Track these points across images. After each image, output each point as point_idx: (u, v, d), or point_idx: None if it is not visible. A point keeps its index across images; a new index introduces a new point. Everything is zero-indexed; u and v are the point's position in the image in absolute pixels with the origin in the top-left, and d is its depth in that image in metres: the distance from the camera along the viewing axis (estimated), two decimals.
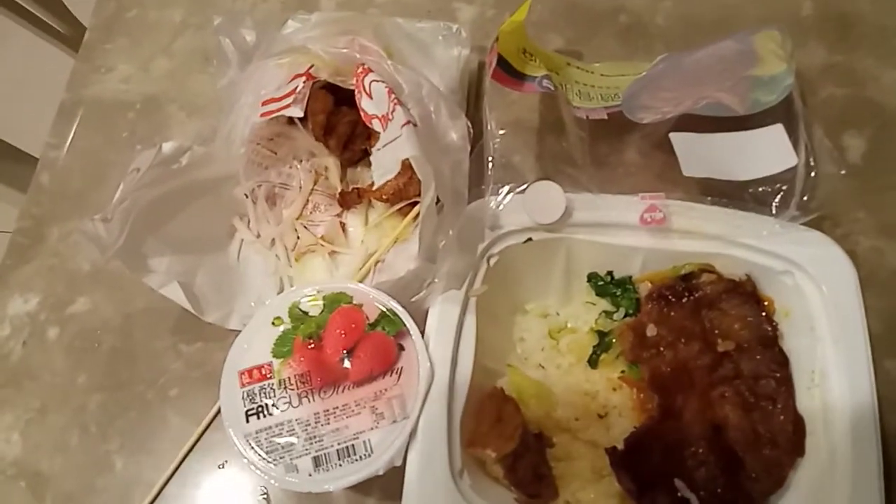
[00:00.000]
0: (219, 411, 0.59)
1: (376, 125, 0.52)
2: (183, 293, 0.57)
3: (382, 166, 0.48)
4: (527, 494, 0.50)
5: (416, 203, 0.59)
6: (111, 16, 0.82)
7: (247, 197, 0.65)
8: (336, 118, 0.64)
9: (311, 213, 0.66)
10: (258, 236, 0.64)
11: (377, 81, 0.52)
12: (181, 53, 0.78)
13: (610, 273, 0.57)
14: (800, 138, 0.53)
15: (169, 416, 0.61)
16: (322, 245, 0.63)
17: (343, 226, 0.65)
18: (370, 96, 0.53)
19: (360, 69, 0.54)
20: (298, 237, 0.65)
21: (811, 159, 0.52)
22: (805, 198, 0.51)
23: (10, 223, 0.72)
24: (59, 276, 0.68)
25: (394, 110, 0.49)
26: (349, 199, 0.64)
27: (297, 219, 0.65)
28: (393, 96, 0.50)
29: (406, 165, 0.58)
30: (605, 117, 0.60)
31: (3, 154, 1.06)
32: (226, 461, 0.59)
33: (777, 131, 0.55)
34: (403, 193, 0.61)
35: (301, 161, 0.67)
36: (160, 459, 0.59)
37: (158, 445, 0.60)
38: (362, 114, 0.54)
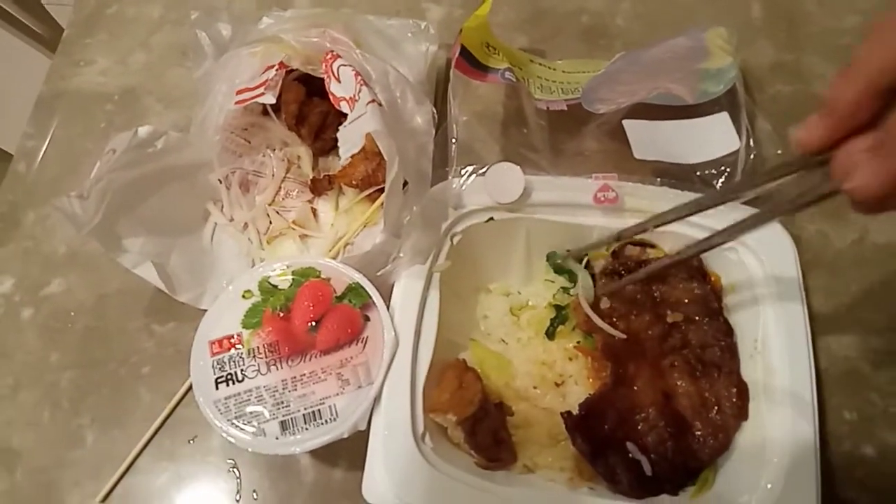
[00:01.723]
0: (190, 387, 0.61)
1: (344, 107, 0.54)
2: (156, 273, 0.59)
3: (348, 141, 0.50)
4: (486, 458, 0.52)
5: (384, 190, 0.62)
6: (91, 12, 0.84)
7: (221, 182, 0.67)
8: (308, 108, 0.67)
9: (283, 199, 0.68)
10: (231, 220, 0.66)
11: (345, 66, 0.55)
12: (159, 48, 0.80)
13: (568, 251, 0.59)
14: (742, 125, 0.57)
15: (141, 393, 0.63)
16: (293, 229, 0.66)
17: (314, 211, 0.68)
18: (338, 80, 0.55)
19: (330, 55, 0.57)
20: (271, 222, 0.67)
21: (751, 142, 0.56)
22: (746, 178, 0.55)
23: None
24: (34, 258, 0.69)
25: (360, 91, 0.52)
26: (320, 185, 0.67)
27: (270, 204, 0.68)
28: (359, 78, 0.53)
29: (374, 152, 0.60)
30: (565, 108, 0.63)
31: None
32: (196, 436, 0.60)
33: (722, 119, 0.59)
34: (372, 179, 0.63)
35: (274, 150, 0.69)
36: (131, 434, 0.60)
37: (130, 421, 0.61)
38: (331, 96, 0.56)
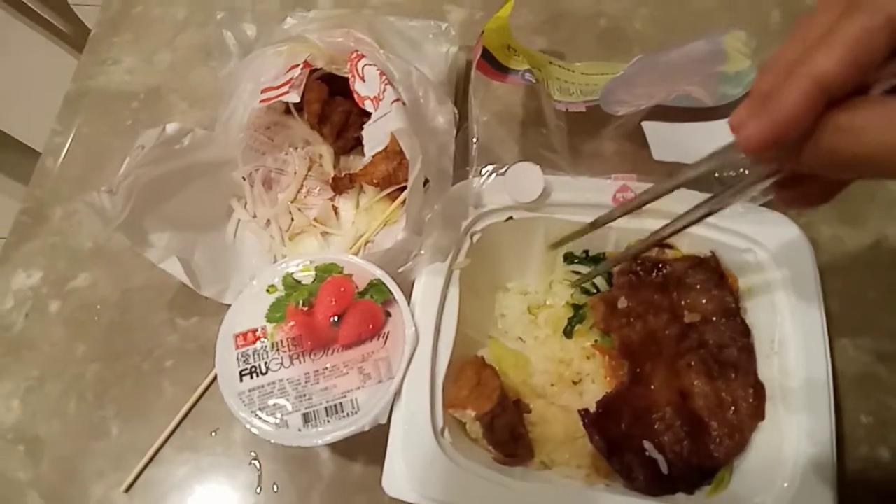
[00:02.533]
0: (213, 380, 0.62)
1: (368, 106, 0.55)
2: (182, 268, 0.60)
3: (373, 139, 0.51)
4: (504, 454, 0.53)
5: (405, 188, 0.62)
6: (117, 12, 0.85)
7: (244, 180, 0.68)
8: (330, 108, 0.68)
9: (305, 196, 0.69)
10: (254, 217, 0.68)
11: (369, 65, 0.56)
12: (184, 48, 0.82)
13: (586, 251, 0.60)
14: None
15: (164, 386, 0.64)
16: (315, 226, 0.67)
17: (335, 209, 0.69)
18: (363, 79, 0.56)
19: (354, 55, 0.58)
20: (293, 219, 0.68)
21: None
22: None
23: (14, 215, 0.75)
24: (61, 253, 0.71)
25: (384, 90, 0.53)
26: (342, 183, 0.68)
27: (292, 202, 0.69)
28: (384, 77, 0.54)
29: (395, 151, 0.61)
30: (584, 110, 0.64)
31: (8, 147, 1.09)
32: (217, 428, 0.62)
33: None
34: (393, 178, 0.64)
35: (296, 148, 0.70)
36: (154, 426, 0.62)
37: (153, 413, 0.63)
38: (355, 96, 0.57)
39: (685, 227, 0.47)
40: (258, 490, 0.59)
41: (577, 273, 0.60)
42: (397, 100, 0.52)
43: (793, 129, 0.30)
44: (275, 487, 0.59)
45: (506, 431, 0.53)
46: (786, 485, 0.48)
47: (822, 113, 0.29)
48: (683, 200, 0.57)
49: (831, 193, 0.36)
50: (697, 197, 0.57)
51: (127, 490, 0.60)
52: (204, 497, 0.59)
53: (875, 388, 0.57)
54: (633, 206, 0.49)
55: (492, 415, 0.52)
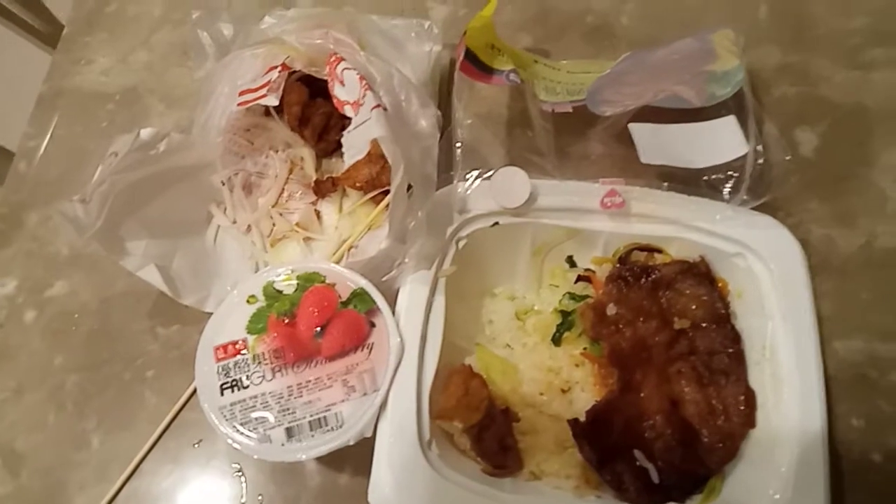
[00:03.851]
0: (195, 391, 0.61)
1: (348, 111, 0.54)
2: (160, 276, 0.59)
3: (353, 147, 0.50)
4: (493, 465, 0.52)
5: (388, 191, 0.61)
6: (91, 10, 0.83)
7: (223, 184, 0.66)
8: (311, 110, 0.67)
9: (286, 201, 0.68)
10: (234, 222, 0.66)
11: (349, 69, 0.54)
12: (160, 47, 0.80)
13: (570, 257, 0.59)
14: (750, 129, 0.57)
15: (146, 396, 0.62)
16: (297, 231, 0.65)
17: (318, 213, 0.67)
18: (342, 83, 0.55)
19: (333, 58, 0.56)
20: (274, 224, 0.66)
21: (760, 147, 0.55)
22: (754, 183, 0.54)
23: None
24: (38, 260, 0.69)
25: (364, 95, 0.51)
26: (324, 187, 0.66)
27: (273, 206, 0.67)
28: (364, 82, 0.53)
29: (379, 155, 0.60)
30: (570, 111, 0.63)
31: None
32: (201, 440, 0.60)
33: (729, 122, 0.58)
34: (376, 182, 0.63)
35: (277, 151, 0.69)
36: (137, 437, 0.60)
37: (135, 423, 0.61)
38: (335, 100, 0.56)
39: None
40: (243, 502, 0.58)
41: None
42: (378, 105, 0.50)
43: None
44: (260, 499, 0.58)
45: (494, 443, 0.52)
46: (777, 493, 0.47)
47: None
48: (673, 204, 0.56)
49: None
50: (687, 200, 0.56)
51: None
52: None
53: (867, 390, 0.57)
54: None
55: (480, 426, 0.51)
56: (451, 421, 0.51)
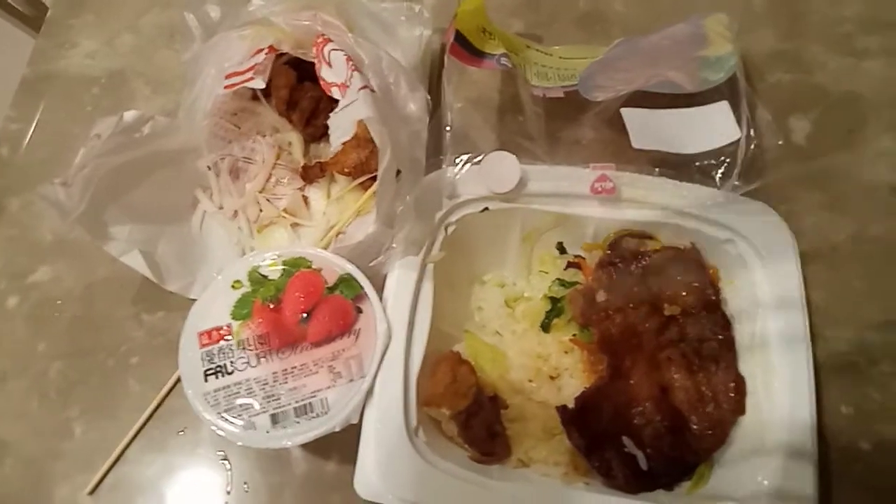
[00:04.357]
0: (179, 379, 0.60)
1: (336, 93, 0.53)
2: (144, 261, 0.58)
3: (339, 128, 0.49)
4: (480, 452, 0.51)
5: (377, 178, 0.61)
6: None
7: (209, 169, 0.65)
8: (299, 94, 0.66)
9: (273, 186, 0.67)
10: (220, 208, 0.65)
11: (336, 50, 0.53)
12: (147, 29, 0.79)
13: (560, 243, 0.59)
14: (742, 114, 0.56)
15: (130, 384, 0.62)
16: (284, 217, 0.65)
17: (305, 199, 0.66)
18: (329, 65, 0.54)
19: (321, 39, 0.55)
20: (261, 210, 0.66)
21: (752, 131, 0.55)
22: (746, 169, 0.54)
23: None
24: (20, 245, 0.68)
25: (351, 76, 0.51)
26: (312, 172, 0.66)
27: (260, 192, 0.66)
28: (351, 63, 0.52)
29: (367, 139, 0.59)
30: (562, 96, 0.62)
31: None
32: (186, 427, 0.60)
33: (722, 108, 0.58)
34: (365, 167, 0.62)
35: (264, 136, 0.68)
36: (121, 425, 0.60)
37: (119, 412, 0.60)
38: (322, 82, 0.55)
39: None
40: (228, 490, 0.57)
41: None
42: (365, 87, 0.50)
43: None
44: (246, 487, 0.57)
45: (482, 429, 0.51)
46: (766, 480, 0.47)
47: None
48: (664, 190, 0.56)
49: None
50: (678, 186, 0.56)
51: (92, 492, 0.58)
52: (172, 498, 0.58)
53: (857, 379, 0.56)
54: None
55: (467, 413, 0.50)
56: (439, 408, 0.50)
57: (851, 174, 0.65)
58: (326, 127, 0.66)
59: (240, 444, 0.49)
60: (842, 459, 0.54)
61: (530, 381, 0.56)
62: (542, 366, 0.56)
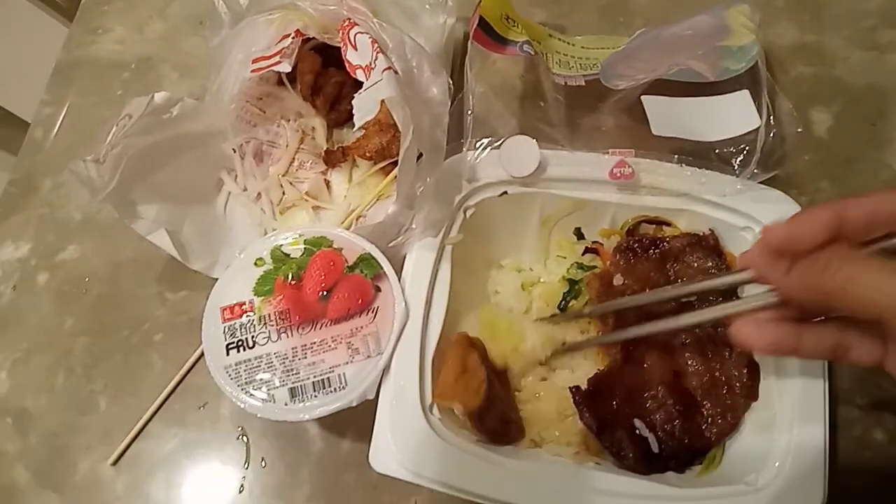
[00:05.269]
0: (202, 355, 0.61)
1: (360, 75, 0.54)
2: (170, 240, 0.59)
3: (363, 108, 0.50)
4: (494, 442, 0.51)
5: (397, 162, 0.61)
6: None
7: (234, 152, 0.67)
8: (324, 79, 0.67)
9: (296, 170, 0.68)
10: (244, 190, 0.66)
11: (361, 33, 0.54)
12: (175, 17, 0.81)
13: (578, 229, 0.59)
14: (762, 103, 0.56)
15: (153, 360, 0.63)
16: (306, 200, 0.66)
17: (327, 183, 0.67)
18: (355, 48, 0.55)
19: (346, 22, 0.56)
20: (284, 192, 0.67)
21: (772, 119, 0.55)
22: (765, 157, 0.54)
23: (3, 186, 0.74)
24: (50, 225, 0.70)
25: (376, 59, 0.51)
26: (334, 157, 0.67)
27: (283, 175, 0.67)
28: (376, 46, 0.53)
29: (389, 124, 0.60)
30: (583, 84, 0.63)
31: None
32: (206, 402, 0.61)
33: (742, 97, 0.58)
34: (386, 152, 0.63)
35: (289, 120, 0.69)
36: (143, 400, 0.61)
37: (142, 387, 0.62)
38: (347, 65, 0.56)
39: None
40: (246, 465, 0.59)
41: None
42: (389, 68, 0.50)
43: (806, 239, 0.36)
44: (263, 463, 0.58)
45: (496, 422, 0.51)
46: (777, 464, 0.47)
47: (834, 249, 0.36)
48: (682, 176, 0.56)
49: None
50: (697, 173, 0.56)
51: (114, 463, 0.59)
52: (191, 471, 0.59)
53: (871, 369, 0.56)
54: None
55: (481, 409, 0.50)
56: (452, 402, 0.50)
57: (872, 167, 0.65)
58: (349, 112, 0.67)
59: (259, 416, 0.50)
60: (854, 448, 0.54)
61: (542, 363, 0.56)
62: (558, 346, 0.56)
